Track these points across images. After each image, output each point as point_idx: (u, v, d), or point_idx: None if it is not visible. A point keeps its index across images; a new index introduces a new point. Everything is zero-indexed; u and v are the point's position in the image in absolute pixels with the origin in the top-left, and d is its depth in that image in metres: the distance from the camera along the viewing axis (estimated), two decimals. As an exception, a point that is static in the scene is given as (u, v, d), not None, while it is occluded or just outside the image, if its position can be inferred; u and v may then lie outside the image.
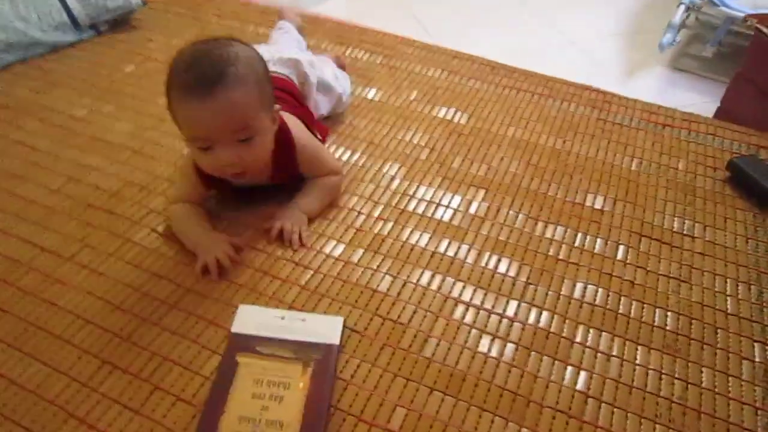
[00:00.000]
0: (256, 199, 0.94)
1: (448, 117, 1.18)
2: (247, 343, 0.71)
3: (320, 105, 1.08)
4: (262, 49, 0.90)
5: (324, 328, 0.74)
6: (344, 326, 0.76)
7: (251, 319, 0.75)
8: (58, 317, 0.78)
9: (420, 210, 0.96)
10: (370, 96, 1.23)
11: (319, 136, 1.00)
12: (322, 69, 1.08)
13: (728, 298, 0.83)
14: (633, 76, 1.78)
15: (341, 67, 1.23)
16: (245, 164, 0.79)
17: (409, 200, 0.97)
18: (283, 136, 0.86)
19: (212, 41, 0.78)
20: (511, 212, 0.96)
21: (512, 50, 1.57)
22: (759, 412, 0.69)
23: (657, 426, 0.68)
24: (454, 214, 0.95)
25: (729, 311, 0.81)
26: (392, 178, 1.02)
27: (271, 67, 0.91)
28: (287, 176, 0.92)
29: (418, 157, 1.07)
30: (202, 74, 0.72)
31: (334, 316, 0.77)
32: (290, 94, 0.98)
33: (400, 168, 1.04)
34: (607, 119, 1.18)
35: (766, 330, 0.79)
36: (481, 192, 0.99)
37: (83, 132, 1.12)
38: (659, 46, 1.73)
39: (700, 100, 1.62)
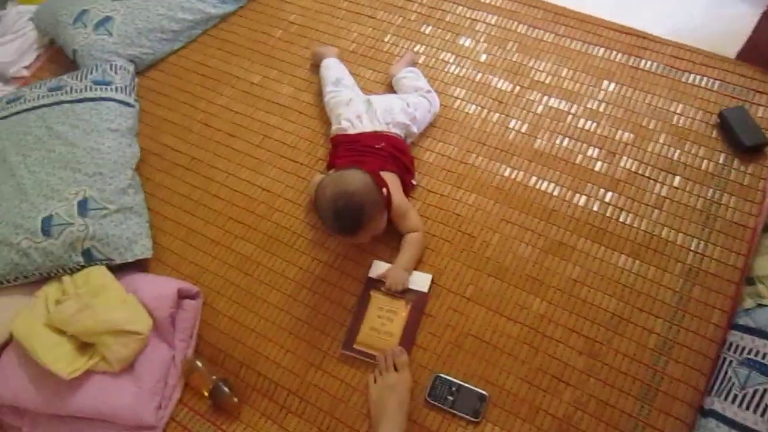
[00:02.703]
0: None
1: (518, 64, 1.58)
2: (376, 285, 1.31)
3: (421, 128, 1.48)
4: (380, 112, 1.38)
5: (420, 280, 1.29)
6: (432, 281, 1.30)
7: (379, 269, 1.32)
8: (283, 232, 1.43)
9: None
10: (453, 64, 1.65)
11: (413, 181, 1.41)
12: (417, 109, 1.43)
13: (683, 220, 1.30)
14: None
15: (412, 64, 1.60)
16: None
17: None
18: (387, 198, 1.25)
19: (343, 187, 1.16)
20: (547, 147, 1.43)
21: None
22: (675, 294, 1.22)
23: (612, 299, 1.23)
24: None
25: (681, 229, 1.29)
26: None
27: (391, 129, 1.39)
28: None
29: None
30: (344, 226, 1.19)
31: (427, 274, 1.30)
32: (401, 151, 1.37)
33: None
34: (639, 66, 1.53)
35: (697, 256, 1.26)
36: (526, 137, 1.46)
37: (262, 96, 1.67)
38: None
39: (750, 11, 1.79)
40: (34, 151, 1.49)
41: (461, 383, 1.19)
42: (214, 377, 1.25)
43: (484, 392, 1.17)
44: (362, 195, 1.18)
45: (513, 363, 1.20)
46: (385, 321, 1.27)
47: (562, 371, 1.18)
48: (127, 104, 1.65)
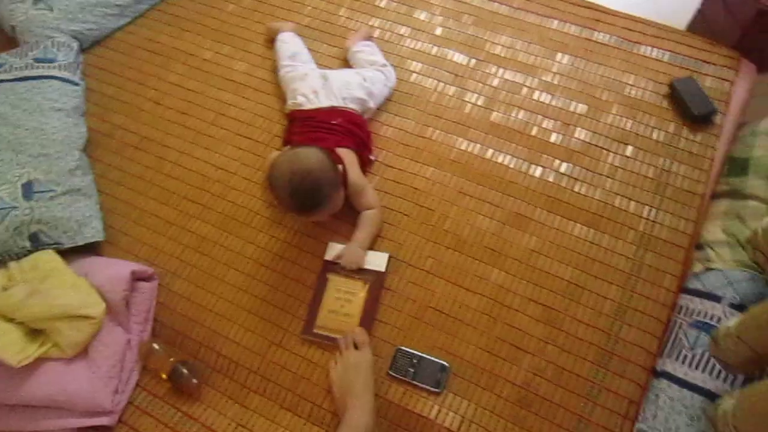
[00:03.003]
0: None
1: (473, 37, 1.58)
2: (333, 267, 1.29)
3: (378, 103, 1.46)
4: (336, 87, 1.36)
5: (377, 260, 1.28)
6: (389, 259, 1.29)
7: (335, 251, 1.30)
8: (239, 210, 1.40)
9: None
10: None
11: (372, 157, 1.40)
12: (373, 84, 1.42)
13: (636, 189, 1.33)
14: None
15: (368, 38, 1.57)
16: None
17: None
18: (342, 176, 1.23)
19: (299, 166, 1.14)
20: (501, 118, 1.44)
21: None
22: (629, 260, 1.25)
23: (568, 268, 1.25)
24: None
25: (633, 197, 1.32)
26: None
27: (348, 104, 1.37)
28: None
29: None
30: (301, 204, 1.16)
31: (383, 253, 1.28)
32: (358, 126, 1.36)
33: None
34: (592, 39, 1.55)
35: (649, 224, 1.29)
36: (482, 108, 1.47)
37: (214, 72, 1.62)
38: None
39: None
40: (-27, 132, 1.41)
41: (422, 355, 1.19)
42: (172, 359, 1.23)
43: (445, 363, 1.18)
44: (318, 174, 1.17)
45: (473, 333, 1.22)
46: (343, 303, 1.26)
47: (521, 340, 1.20)
48: (72, 82, 1.57)
